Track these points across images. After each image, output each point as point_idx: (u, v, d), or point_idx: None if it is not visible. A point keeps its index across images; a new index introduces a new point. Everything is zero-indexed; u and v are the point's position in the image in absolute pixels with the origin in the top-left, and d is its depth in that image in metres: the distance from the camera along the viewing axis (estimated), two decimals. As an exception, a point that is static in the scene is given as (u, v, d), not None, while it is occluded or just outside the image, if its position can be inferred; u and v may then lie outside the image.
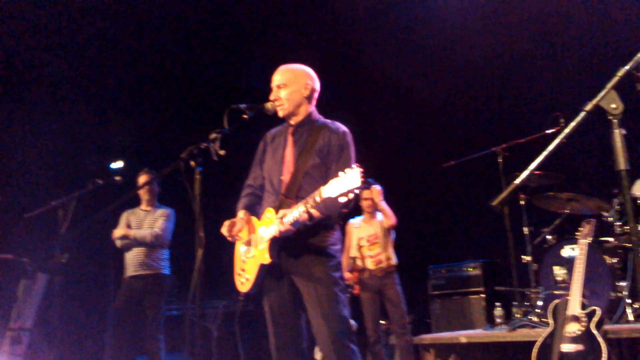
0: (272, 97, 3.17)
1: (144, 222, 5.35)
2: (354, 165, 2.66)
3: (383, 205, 5.36)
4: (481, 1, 6.38)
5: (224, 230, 3.15)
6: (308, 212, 2.89)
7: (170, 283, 5.39)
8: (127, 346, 5.09)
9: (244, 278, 3.14)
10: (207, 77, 7.39)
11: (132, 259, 5.25)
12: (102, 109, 7.20)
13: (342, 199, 2.68)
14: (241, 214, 3.20)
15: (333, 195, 2.68)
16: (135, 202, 5.53)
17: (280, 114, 3.19)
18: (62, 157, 7.00)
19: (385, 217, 5.33)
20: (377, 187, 5.42)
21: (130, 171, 5.55)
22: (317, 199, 2.76)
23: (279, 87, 3.18)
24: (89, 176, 4.78)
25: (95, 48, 6.83)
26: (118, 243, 5.30)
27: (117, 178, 4.92)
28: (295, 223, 2.90)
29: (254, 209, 3.25)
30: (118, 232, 5.27)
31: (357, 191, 2.65)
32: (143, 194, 5.42)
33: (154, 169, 5.41)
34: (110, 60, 7.05)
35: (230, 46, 7.20)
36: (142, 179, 5.36)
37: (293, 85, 3.19)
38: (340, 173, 2.66)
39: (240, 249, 3.23)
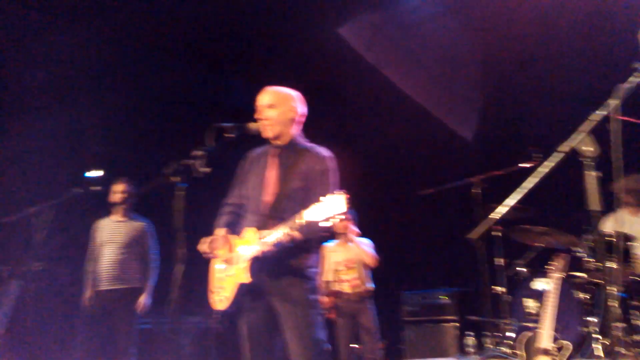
0: (260, 116, 3.19)
1: (118, 233, 5.27)
2: (337, 191, 2.70)
3: (360, 245, 5.38)
4: (465, 34, 6.51)
5: (204, 246, 3.15)
6: (289, 235, 2.92)
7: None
8: (99, 359, 5.03)
9: (222, 296, 3.14)
10: (189, 92, 7.40)
11: (106, 272, 5.19)
12: (80, 117, 7.16)
13: (325, 224, 2.71)
14: (221, 231, 3.20)
15: (316, 219, 2.71)
16: (105, 211, 5.46)
17: (269, 134, 3.20)
18: (39, 164, 6.92)
19: (367, 257, 5.36)
20: (367, 240, 5.48)
21: (107, 181, 5.50)
22: (300, 221, 2.79)
23: (268, 107, 3.20)
24: (66, 184, 4.75)
25: (76, 56, 6.80)
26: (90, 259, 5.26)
27: (95, 187, 4.90)
28: (277, 244, 2.93)
29: (233, 228, 3.26)
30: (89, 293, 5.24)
31: (341, 217, 2.69)
32: (118, 204, 5.35)
33: (130, 179, 5.39)
34: (92, 69, 7.02)
35: (214, 63, 7.23)
36: (120, 186, 5.32)
37: (281, 107, 3.22)
38: (322, 198, 2.70)
39: (217, 266, 3.23)
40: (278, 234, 2.90)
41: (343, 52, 6.93)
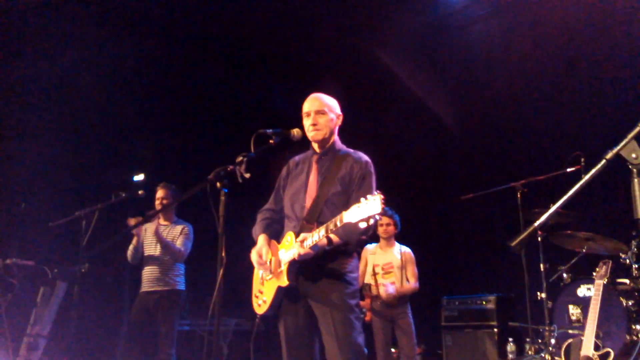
0: (310, 122, 3.25)
1: (162, 235, 5.38)
2: (375, 192, 2.72)
3: (410, 273, 5.38)
4: (509, 36, 6.45)
5: (254, 258, 3.20)
6: (328, 237, 2.94)
7: (184, 299, 5.42)
8: (140, 359, 5.13)
9: (262, 300, 3.18)
10: (233, 98, 7.51)
11: (148, 275, 5.29)
12: (127, 122, 7.33)
13: (362, 225, 2.73)
14: (261, 238, 3.25)
15: (353, 221, 2.74)
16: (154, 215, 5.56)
17: (317, 137, 3.27)
18: (86, 168, 7.13)
19: (408, 292, 5.35)
20: (411, 255, 5.47)
21: (152, 184, 5.63)
22: (338, 223, 2.82)
23: (317, 112, 3.27)
24: (112, 188, 4.87)
25: (124, 62, 6.97)
26: (129, 254, 5.34)
27: (140, 192, 5.00)
28: (314, 247, 2.96)
29: (273, 233, 3.31)
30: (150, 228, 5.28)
31: (377, 217, 2.71)
32: (161, 208, 5.45)
33: (174, 183, 5.49)
34: (139, 75, 7.19)
35: (258, 69, 7.32)
36: (160, 192, 5.42)
37: (330, 114, 3.31)
38: (361, 199, 2.72)
39: (259, 271, 3.29)
40: (315, 236, 2.92)
41: (383, 58, 6.95)
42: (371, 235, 5.31)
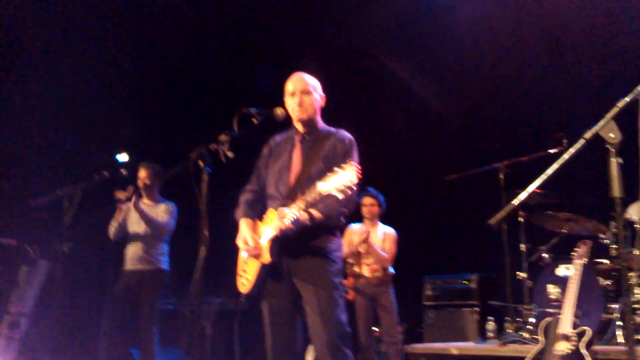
0: (296, 101, 3.25)
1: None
2: (351, 162, 2.74)
3: (377, 250, 5.35)
4: (493, 16, 6.43)
5: (241, 245, 3.20)
6: (307, 211, 2.95)
7: (168, 278, 5.42)
8: (122, 337, 5.13)
9: (245, 279, 3.19)
10: (215, 77, 7.45)
11: (132, 253, 5.27)
12: (110, 100, 7.25)
13: (339, 195, 2.74)
14: (243, 223, 3.24)
15: (328, 190, 2.75)
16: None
17: (303, 117, 3.27)
18: (68, 147, 7.06)
19: (381, 261, 5.34)
20: (394, 236, 5.50)
21: (135, 164, 5.59)
22: (314, 195, 2.83)
23: (303, 92, 3.27)
24: (94, 167, 4.83)
25: (106, 41, 6.88)
26: (111, 230, 5.30)
27: (123, 171, 4.97)
28: (295, 222, 2.96)
29: (256, 213, 3.30)
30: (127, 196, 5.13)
31: (354, 188, 2.73)
32: (144, 188, 5.42)
33: (158, 162, 5.46)
34: (121, 54, 7.10)
35: (241, 48, 7.26)
36: (143, 172, 5.39)
37: (315, 94, 3.32)
38: (335, 168, 2.75)
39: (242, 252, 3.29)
40: (295, 210, 2.93)
41: (369, 40, 6.92)
42: (356, 215, 5.40)
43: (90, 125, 7.13)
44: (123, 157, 6.91)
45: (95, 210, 5.13)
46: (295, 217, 2.94)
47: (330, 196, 2.79)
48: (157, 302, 5.25)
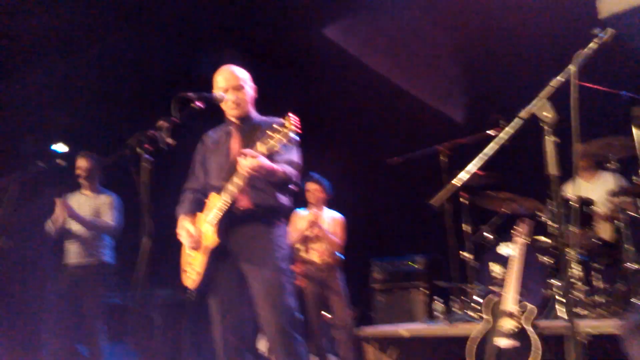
0: (232, 99, 3.22)
1: (85, 206, 5.20)
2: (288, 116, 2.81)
3: (327, 233, 5.38)
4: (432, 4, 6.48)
5: (184, 240, 3.16)
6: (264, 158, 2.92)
7: (112, 271, 5.29)
8: (66, 334, 4.99)
9: (194, 272, 3.14)
10: (155, 62, 7.26)
11: (74, 247, 5.13)
12: (44, 88, 6.98)
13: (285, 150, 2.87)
14: (181, 219, 3.22)
15: (272, 145, 2.82)
16: (76, 185, 5.36)
17: (240, 114, 3.27)
18: (2, 137, 6.76)
19: (331, 244, 5.38)
20: (341, 221, 5.53)
21: (73, 154, 5.40)
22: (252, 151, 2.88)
23: (235, 88, 3.24)
24: (28, 157, 4.64)
25: (42, 25, 6.62)
26: (52, 228, 5.13)
27: (60, 161, 4.81)
28: (239, 187, 2.95)
29: (197, 210, 3.26)
30: (61, 214, 5.00)
31: (296, 138, 2.83)
32: (83, 178, 5.26)
33: (96, 152, 5.30)
34: (56, 39, 6.84)
35: (180, 32, 7.10)
36: (81, 162, 5.23)
37: (246, 87, 3.31)
38: (273, 125, 2.85)
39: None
40: (237, 179, 2.92)
41: (309, 23, 6.85)
42: (301, 201, 5.39)
43: (23, 114, 6.85)
44: (59, 147, 6.67)
45: (33, 203, 4.95)
46: (238, 185, 2.94)
47: (281, 154, 2.90)
48: (103, 297, 5.12)
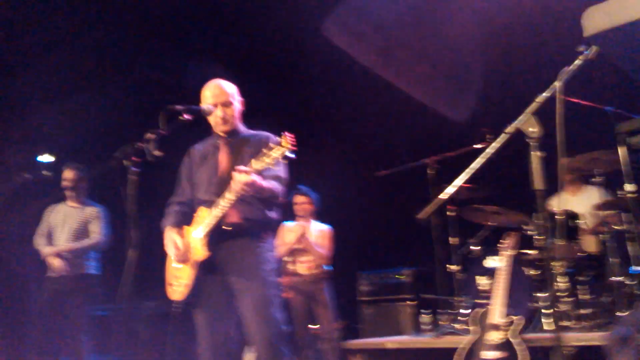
0: (220, 115, 3.22)
1: (71, 218, 5.17)
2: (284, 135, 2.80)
3: (314, 246, 5.39)
4: (417, 12, 6.51)
5: (171, 252, 3.14)
6: (256, 175, 2.91)
7: (97, 283, 5.24)
8: (50, 347, 4.94)
9: (181, 285, 3.12)
10: (143, 74, 7.25)
11: (57, 258, 5.08)
12: (32, 100, 6.94)
13: (277, 167, 2.86)
14: (167, 231, 3.20)
15: (265, 162, 2.82)
16: (62, 197, 5.32)
17: (228, 129, 3.27)
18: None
19: (318, 257, 5.37)
20: (329, 233, 5.52)
21: (59, 166, 5.37)
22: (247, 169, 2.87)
23: (224, 105, 3.24)
24: (13, 168, 4.62)
25: (28, 30, 6.58)
26: (37, 240, 5.11)
27: (46, 173, 4.78)
28: (230, 203, 2.94)
29: (183, 222, 3.25)
30: (50, 250, 5.05)
31: (290, 155, 2.78)
32: (70, 190, 5.23)
33: (82, 163, 5.27)
34: (42, 47, 6.80)
35: (169, 44, 7.10)
36: (68, 173, 5.20)
37: (235, 102, 3.31)
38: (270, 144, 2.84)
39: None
40: (229, 196, 2.91)
41: (298, 34, 6.87)
42: (290, 214, 5.38)
43: (10, 125, 6.80)
44: (45, 158, 6.63)
45: (16, 214, 4.91)
46: (229, 201, 2.93)
47: (269, 169, 2.87)
48: (87, 309, 5.08)
